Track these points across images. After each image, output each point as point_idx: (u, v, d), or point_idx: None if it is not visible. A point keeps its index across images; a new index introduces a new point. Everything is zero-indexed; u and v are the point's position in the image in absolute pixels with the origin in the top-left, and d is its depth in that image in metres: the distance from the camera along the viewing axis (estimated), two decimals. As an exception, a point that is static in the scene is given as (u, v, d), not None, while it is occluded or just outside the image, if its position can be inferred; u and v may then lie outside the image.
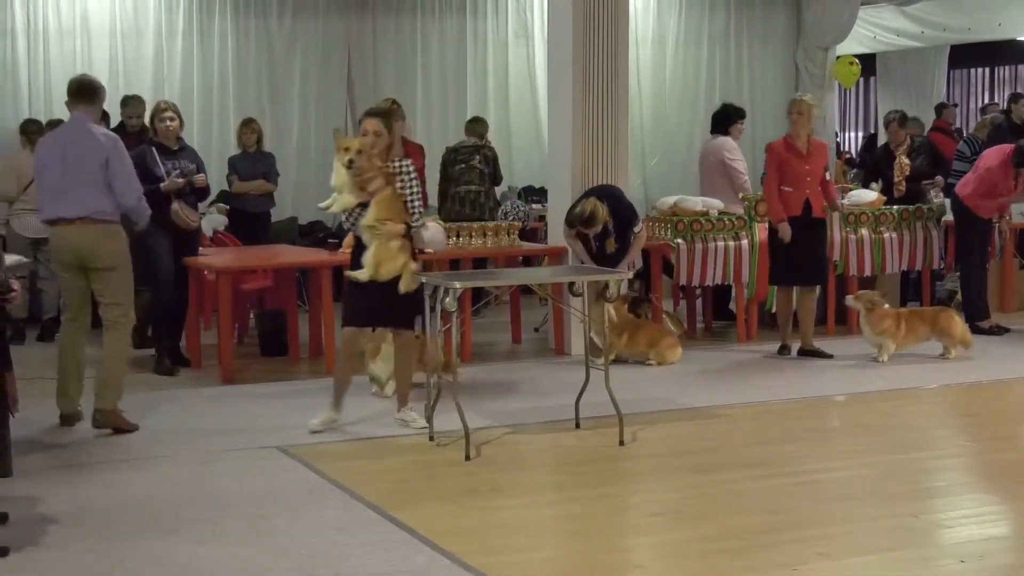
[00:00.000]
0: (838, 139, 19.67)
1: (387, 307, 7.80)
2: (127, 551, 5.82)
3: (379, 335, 8.53)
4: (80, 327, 8.26)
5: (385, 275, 7.68)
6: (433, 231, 9.22)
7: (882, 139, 14.94)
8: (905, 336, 10.16)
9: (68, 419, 8.14)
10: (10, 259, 8.08)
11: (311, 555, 5.72)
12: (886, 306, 10.25)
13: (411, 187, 7.95)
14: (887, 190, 12.33)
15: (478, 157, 12.60)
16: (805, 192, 10.17)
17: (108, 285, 7.99)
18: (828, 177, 10.50)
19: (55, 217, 7.94)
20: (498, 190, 15.53)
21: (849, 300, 10.40)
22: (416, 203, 7.93)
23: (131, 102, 12.00)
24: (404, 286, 7.77)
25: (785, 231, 10.06)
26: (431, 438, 7.74)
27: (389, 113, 8.46)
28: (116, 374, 8.03)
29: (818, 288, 10.65)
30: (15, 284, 6.20)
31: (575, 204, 9.82)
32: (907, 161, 12.21)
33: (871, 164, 13.72)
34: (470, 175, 12.60)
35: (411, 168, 8.05)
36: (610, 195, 9.86)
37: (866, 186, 12.99)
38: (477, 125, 13.25)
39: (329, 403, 7.94)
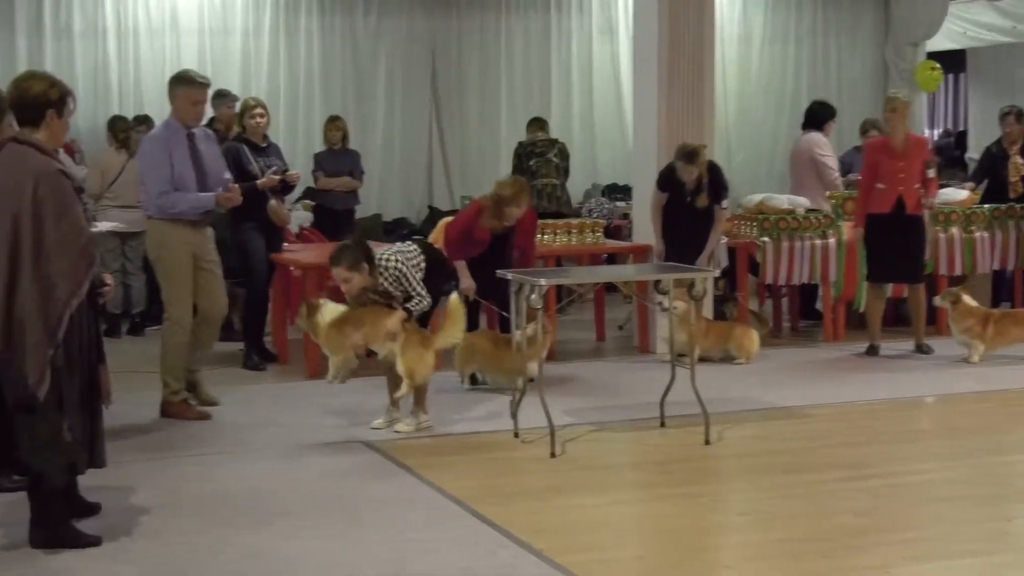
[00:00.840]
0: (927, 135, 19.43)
1: None
2: (219, 543, 5.90)
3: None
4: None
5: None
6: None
7: (976, 137, 14.69)
8: (994, 337, 10.04)
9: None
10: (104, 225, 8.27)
11: (399, 550, 5.76)
12: (971, 302, 10.13)
13: (397, 276, 7.79)
14: (1001, 191, 12.04)
15: (554, 151, 12.62)
16: (897, 189, 10.10)
17: None
18: (930, 174, 10.35)
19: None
20: (581, 187, 15.64)
21: (936, 300, 10.32)
22: (412, 285, 7.82)
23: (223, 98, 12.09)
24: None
25: (856, 235, 10.10)
26: (516, 435, 7.77)
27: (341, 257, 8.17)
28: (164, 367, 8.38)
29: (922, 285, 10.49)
30: (108, 279, 6.29)
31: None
32: (1021, 160, 11.89)
33: (986, 164, 13.31)
34: (547, 169, 12.62)
35: (388, 263, 7.79)
36: (712, 162, 9.89)
37: (979, 184, 12.75)
38: (538, 125, 13.24)
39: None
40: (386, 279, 7.73)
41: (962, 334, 10.05)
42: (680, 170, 9.61)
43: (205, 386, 8.65)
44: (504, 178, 9.73)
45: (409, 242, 7.93)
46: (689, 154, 9.51)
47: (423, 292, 7.82)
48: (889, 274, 10.46)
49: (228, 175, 8.73)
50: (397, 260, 7.78)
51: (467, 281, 8.99)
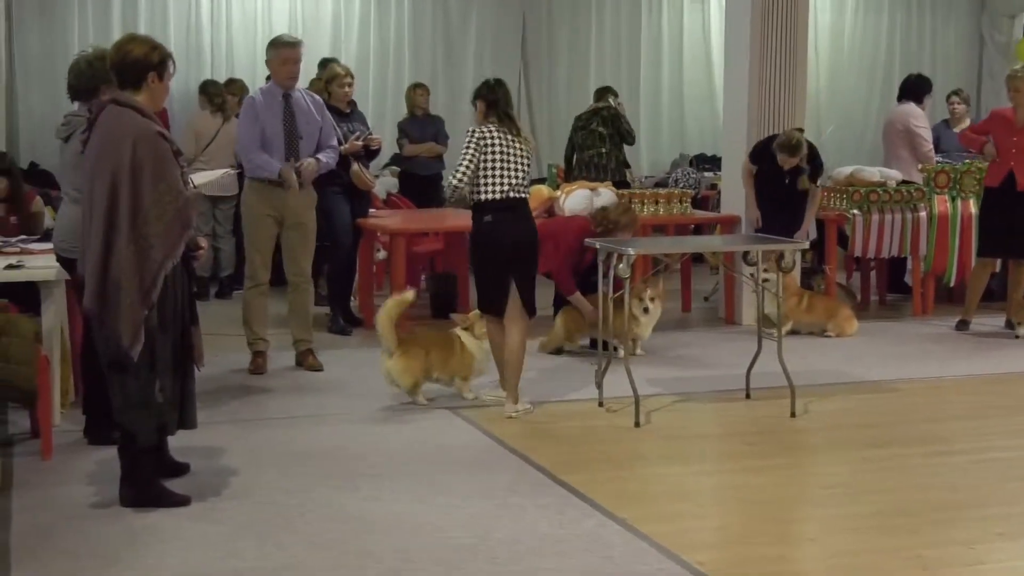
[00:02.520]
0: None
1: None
2: (305, 503, 5.97)
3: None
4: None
5: None
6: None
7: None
8: None
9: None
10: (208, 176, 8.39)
11: (485, 516, 5.80)
12: None
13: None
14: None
15: (596, 120, 12.44)
16: (1009, 164, 10.01)
17: None
18: None
19: None
20: (669, 157, 15.55)
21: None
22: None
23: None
24: None
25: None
26: (600, 404, 7.80)
27: None
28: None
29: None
30: (203, 242, 6.36)
31: (773, 136, 9.82)
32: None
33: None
34: (591, 139, 12.48)
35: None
36: (810, 143, 9.80)
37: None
38: (603, 93, 13.11)
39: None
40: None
41: None
42: (781, 160, 9.57)
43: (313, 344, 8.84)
44: (615, 205, 9.73)
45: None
46: (793, 147, 9.49)
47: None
48: (999, 249, 10.35)
49: (334, 141, 8.85)
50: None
51: (588, 306, 9.09)
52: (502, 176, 7.16)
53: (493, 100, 7.23)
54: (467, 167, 7.18)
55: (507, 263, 7.33)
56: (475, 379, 7.91)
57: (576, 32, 15.36)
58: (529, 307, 7.42)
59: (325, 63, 11.57)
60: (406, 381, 7.64)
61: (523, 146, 7.30)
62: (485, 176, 7.15)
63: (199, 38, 13.92)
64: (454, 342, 7.83)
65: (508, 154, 7.19)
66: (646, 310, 8.87)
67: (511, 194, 7.23)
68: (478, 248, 7.53)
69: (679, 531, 5.55)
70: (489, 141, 7.16)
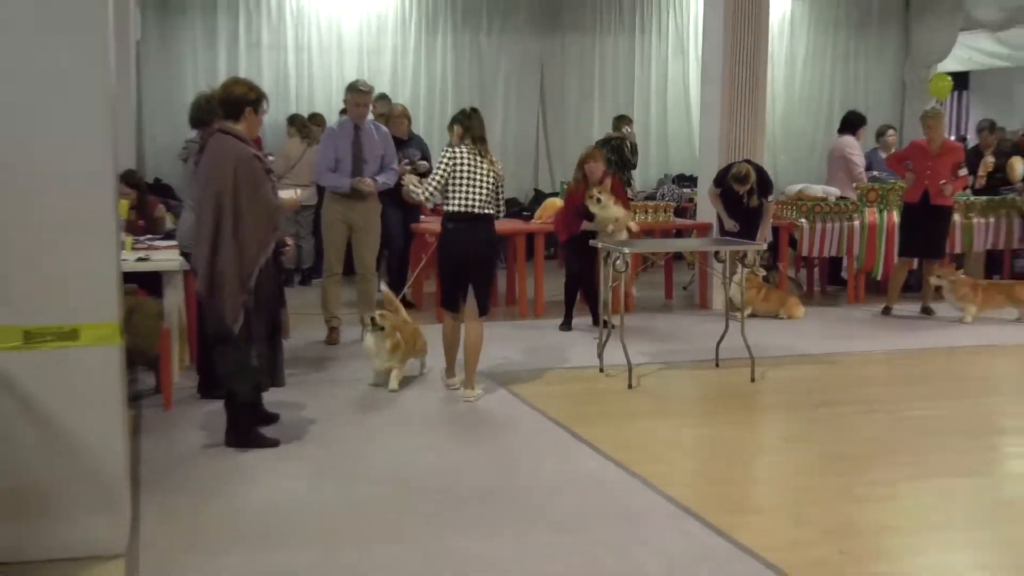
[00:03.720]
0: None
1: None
2: (368, 447, 6.01)
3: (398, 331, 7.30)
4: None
5: None
6: None
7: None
8: (983, 302, 9.94)
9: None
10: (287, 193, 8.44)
11: (508, 458, 5.88)
12: (962, 276, 10.07)
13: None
14: (974, 183, 12.04)
15: (606, 148, 12.26)
16: (924, 184, 9.97)
17: None
18: (961, 173, 10.19)
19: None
20: (656, 176, 15.49)
21: (932, 279, 10.18)
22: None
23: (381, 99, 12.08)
24: None
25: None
26: (601, 370, 7.77)
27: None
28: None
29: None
30: (289, 241, 6.39)
31: (730, 166, 9.71)
32: (991, 159, 11.95)
33: (971, 160, 13.32)
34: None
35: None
36: (757, 165, 9.74)
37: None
38: (619, 121, 12.92)
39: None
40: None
41: (959, 301, 9.94)
42: (735, 188, 9.55)
43: None
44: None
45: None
46: (742, 178, 9.46)
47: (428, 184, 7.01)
48: (916, 251, 10.32)
49: (395, 164, 8.76)
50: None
51: None
52: (467, 192, 6.75)
53: (468, 126, 6.95)
54: (436, 184, 6.91)
55: (464, 267, 6.89)
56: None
57: (582, 79, 15.33)
58: (482, 307, 6.98)
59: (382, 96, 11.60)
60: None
61: (490, 167, 6.91)
62: (453, 190, 6.79)
63: (286, 81, 13.93)
64: None
65: (475, 174, 6.79)
66: (598, 201, 8.80)
67: (474, 209, 6.79)
68: (439, 251, 7.23)
69: (663, 471, 5.56)
70: (459, 161, 6.81)
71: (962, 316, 9.92)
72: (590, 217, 8.93)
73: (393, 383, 7.02)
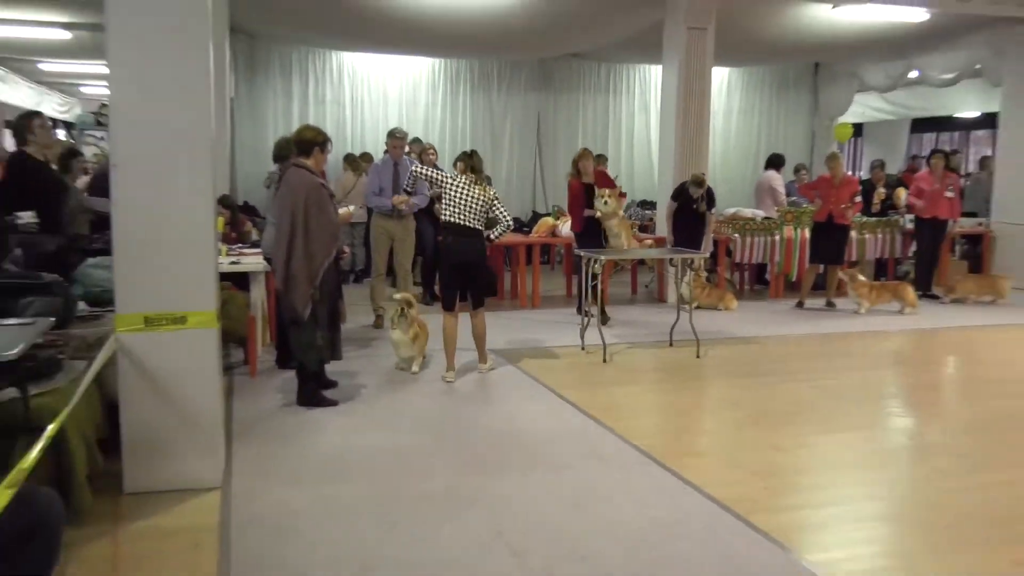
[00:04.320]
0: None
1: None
2: (405, 406, 6.02)
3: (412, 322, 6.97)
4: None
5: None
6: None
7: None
8: (875, 299, 9.95)
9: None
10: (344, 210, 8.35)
11: (509, 413, 5.88)
12: (862, 278, 10.06)
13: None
14: (868, 208, 12.01)
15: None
16: (829, 208, 9.97)
17: None
18: (857, 200, 10.18)
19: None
20: (626, 202, 15.44)
21: (840, 274, 10.18)
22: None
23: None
24: None
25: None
26: (583, 348, 7.76)
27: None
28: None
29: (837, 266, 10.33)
30: (346, 248, 6.40)
31: (684, 184, 9.54)
32: (883, 190, 11.92)
33: (865, 190, 13.36)
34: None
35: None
36: (708, 185, 9.63)
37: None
38: (597, 159, 12.54)
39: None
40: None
41: (857, 296, 9.96)
42: (692, 191, 9.51)
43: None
44: None
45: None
46: (700, 181, 9.42)
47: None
48: (822, 259, 10.32)
49: (424, 190, 8.62)
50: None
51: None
52: (457, 209, 6.53)
53: (469, 163, 6.72)
54: (418, 175, 6.91)
55: (457, 271, 6.67)
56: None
57: (569, 127, 15.29)
58: (477, 301, 6.78)
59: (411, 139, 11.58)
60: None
61: (481, 193, 6.59)
62: (447, 206, 6.58)
63: (344, 128, 13.89)
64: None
65: (467, 197, 6.54)
66: (606, 203, 8.58)
67: (462, 222, 6.53)
68: (440, 261, 7.03)
69: (631, 426, 5.56)
70: (454, 184, 6.58)
71: (857, 308, 9.91)
72: (590, 204, 8.70)
73: (415, 367, 6.92)
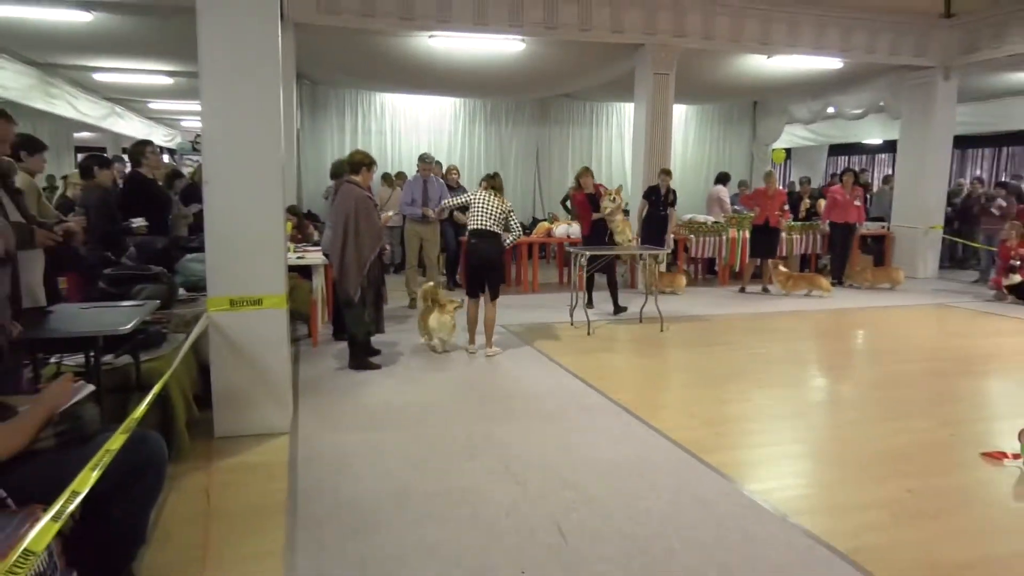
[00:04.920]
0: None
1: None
2: (433, 371, 5.96)
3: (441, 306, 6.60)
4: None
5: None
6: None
7: (797, 191, 14.35)
8: (792, 286, 9.93)
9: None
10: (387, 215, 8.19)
11: (513, 376, 5.81)
12: (783, 269, 10.04)
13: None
14: (796, 214, 11.95)
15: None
16: (765, 214, 9.94)
17: None
18: (785, 208, 10.24)
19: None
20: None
21: (771, 264, 10.14)
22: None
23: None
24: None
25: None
26: (572, 324, 7.72)
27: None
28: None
29: (770, 260, 10.28)
30: (387, 246, 6.35)
31: (655, 186, 9.45)
32: (808, 201, 11.85)
33: (790, 203, 13.27)
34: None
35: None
36: (672, 187, 9.51)
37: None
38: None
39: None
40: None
41: (779, 284, 9.94)
42: (661, 180, 9.40)
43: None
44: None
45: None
46: (665, 171, 9.33)
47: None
48: (758, 254, 10.24)
49: (446, 201, 8.61)
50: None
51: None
52: (479, 218, 6.28)
53: (492, 183, 6.48)
54: (457, 203, 6.88)
55: (480, 268, 6.41)
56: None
57: (562, 152, 15.18)
58: (494, 293, 6.42)
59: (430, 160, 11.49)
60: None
61: (499, 204, 6.34)
62: (473, 215, 6.33)
63: (385, 151, 13.86)
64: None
65: (487, 207, 6.32)
66: (613, 199, 8.17)
67: (483, 227, 6.30)
68: (465, 258, 6.78)
69: (610, 385, 5.53)
70: (478, 198, 6.36)
71: (783, 294, 9.86)
72: (597, 208, 8.40)
73: (442, 347, 6.57)
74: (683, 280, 10.15)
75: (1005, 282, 9.80)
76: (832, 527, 3.34)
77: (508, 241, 6.50)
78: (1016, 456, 4.15)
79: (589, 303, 8.46)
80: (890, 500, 3.65)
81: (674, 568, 2.98)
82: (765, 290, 10.21)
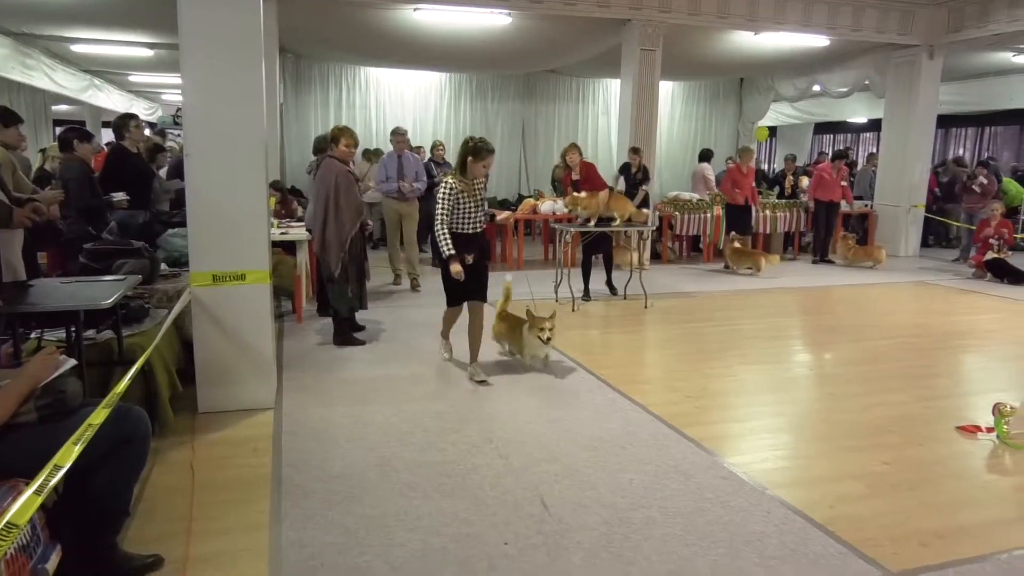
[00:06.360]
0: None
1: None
2: (417, 345, 5.97)
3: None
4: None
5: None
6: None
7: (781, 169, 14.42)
8: (738, 261, 9.98)
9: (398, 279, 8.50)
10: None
11: (500, 352, 5.80)
12: (737, 245, 10.03)
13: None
14: (782, 193, 12.00)
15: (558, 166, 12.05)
16: (746, 193, 9.99)
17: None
18: (754, 186, 10.27)
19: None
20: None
21: (731, 238, 10.22)
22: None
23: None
24: None
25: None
26: (556, 300, 7.74)
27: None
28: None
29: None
30: (369, 221, 6.32)
31: (627, 163, 9.31)
32: (792, 178, 11.89)
33: (773, 179, 13.31)
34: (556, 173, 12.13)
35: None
36: (643, 164, 9.34)
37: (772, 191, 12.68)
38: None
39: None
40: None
41: (728, 258, 10.10)
42: (630, 159, 9.39)
43: (419, 275, 8.55)
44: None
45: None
46: (635, 149, 9.30)
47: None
48: (738, 231, 10.28)
49: (423, 178, 8.47)
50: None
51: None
52: (474, 214, 4.93)
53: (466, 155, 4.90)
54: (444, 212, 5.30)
55: (474, 265, 5.08)
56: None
57: (548, 128, 15.14)
58: (484, 292, 5.22)
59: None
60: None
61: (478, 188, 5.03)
62: (464, 215, 4.93)
63: (370, 126, 13.75)
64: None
65: (476, 198, 4.85)
66: (583, 209, 7.71)
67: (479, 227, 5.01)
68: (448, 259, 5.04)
69: (594, 359, 5.58)
70: (458, 193, 4.84)
71: (757, 273, 9.86)
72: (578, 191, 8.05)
73: (543, 364, 5.28)
74: (633, 258, 9.30)
75: (985, 258, 9.90)
76: (809, 498, 3.41)
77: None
78: (990, 430, 4.24)
79: (586, 294, 8.02)
80: (866, 472, 3.72)
81: (654, 536, 3.04)
82: (749, 268, 10.25)
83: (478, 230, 5.07)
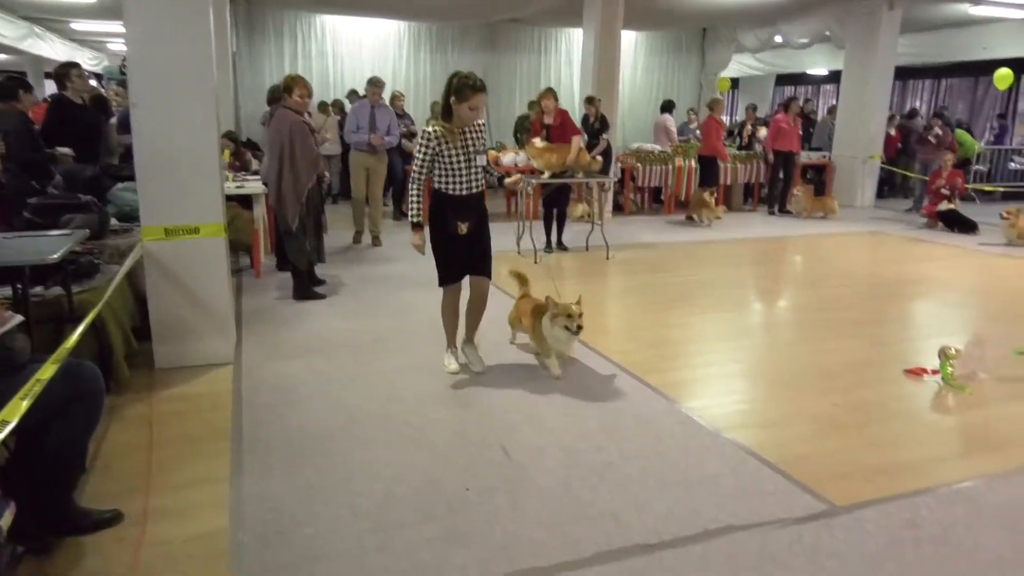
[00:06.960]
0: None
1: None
2: (380, 300, 5.94)
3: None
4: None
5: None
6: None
7: (741, 121, 14.46)
8: (692, 209, 10.25)
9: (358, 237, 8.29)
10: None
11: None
12: (709, 197, 10.08)
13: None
14: (741, 144, 12.07)
15: (526, 120, 11.83)
16: (716, 144, 10.09)
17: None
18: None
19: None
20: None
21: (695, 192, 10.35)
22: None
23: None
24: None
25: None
26: (518, 252, 7.72)
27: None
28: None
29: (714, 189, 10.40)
30: (327, 173, 6.22)
31: (586, 114, 9.16)
32: (750, 127, 11.97)
33: (731, 130, 13.38)
34: (522, 128, 11.81)
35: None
36: (602, 114, 9.11)
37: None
38: (532, 104, 12.32)
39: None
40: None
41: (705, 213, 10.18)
42: (586, 110, 9.27)
43: (381, 233, 8.40)
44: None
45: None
46: (589, 99, 9.13)
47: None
48: (705, 183, 10.34)
49: (395, 131, 8.28)
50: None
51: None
52: (469, 171, 4.15)
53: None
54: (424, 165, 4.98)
55: (472, 234, 4.23)
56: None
57: (510, 81, 14.94)
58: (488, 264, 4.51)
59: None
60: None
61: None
62: (455, 174, 4.14)
63: (327, 77, 13.42)
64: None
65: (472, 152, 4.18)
66: (545, 165, 7.68)
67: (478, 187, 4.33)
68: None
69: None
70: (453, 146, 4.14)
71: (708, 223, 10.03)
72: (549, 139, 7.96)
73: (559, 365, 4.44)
74: (588, 209, 9.41)
75: (938, 208, 10.14)
76: (763, 439, 3.52)
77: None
78: (935, 372, 4.40)
79: (548, 246, 8.00)
80: (817, 414, 3.85)
81: (612, 477, 3.12)
82: (691, 218, 10.35)
83: (472, 191, 4.00)
